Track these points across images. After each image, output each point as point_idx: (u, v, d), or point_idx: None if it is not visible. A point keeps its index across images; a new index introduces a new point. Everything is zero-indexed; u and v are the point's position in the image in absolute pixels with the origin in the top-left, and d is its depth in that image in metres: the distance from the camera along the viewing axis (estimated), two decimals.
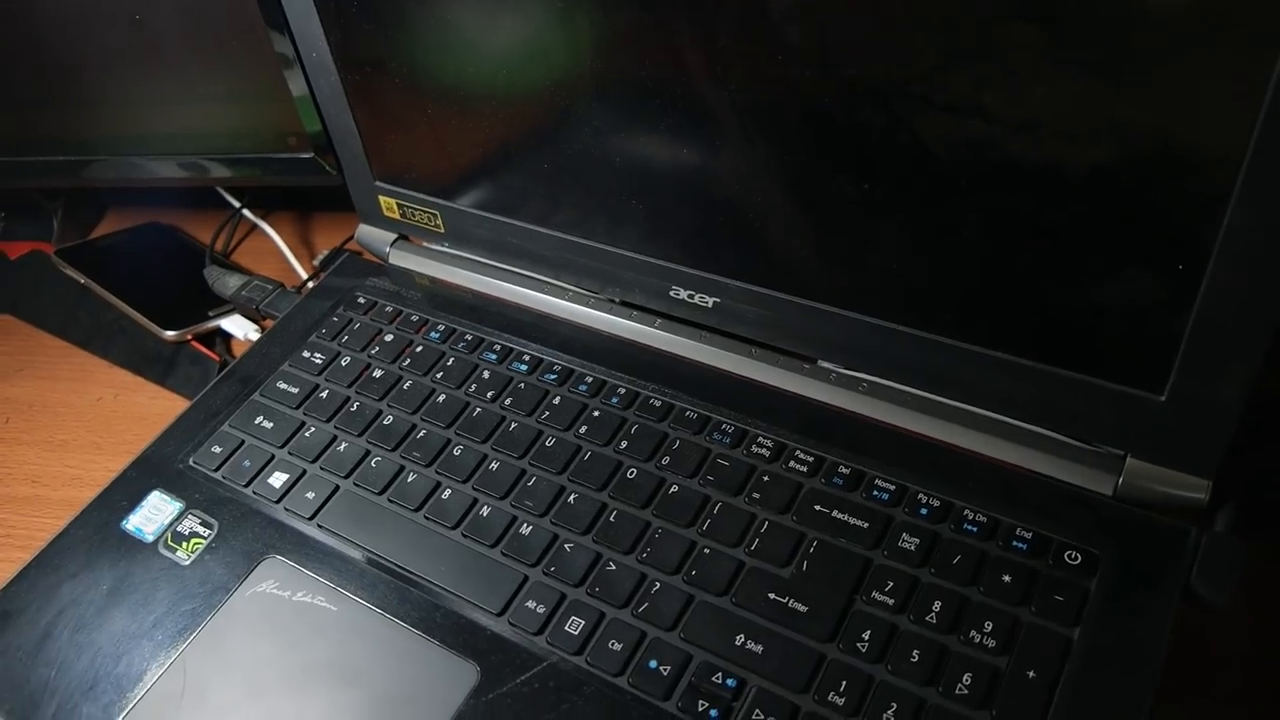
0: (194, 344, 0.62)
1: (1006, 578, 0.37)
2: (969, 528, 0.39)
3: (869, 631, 0.36)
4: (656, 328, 0.49)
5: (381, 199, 0.55)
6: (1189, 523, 0.38)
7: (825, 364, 0.46)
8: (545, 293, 0.52)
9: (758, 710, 0.35)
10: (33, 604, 0.43)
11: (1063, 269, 0.36)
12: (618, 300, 0.50)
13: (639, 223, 0.47)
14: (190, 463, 0.48)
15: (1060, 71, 0.32)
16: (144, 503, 0.46)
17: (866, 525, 0.39)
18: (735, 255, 0.45)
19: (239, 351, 0.61)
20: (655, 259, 0.47)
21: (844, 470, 0.42)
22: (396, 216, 0.55)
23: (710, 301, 0.46)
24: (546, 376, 0.48)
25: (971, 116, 0.35)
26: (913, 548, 0.38)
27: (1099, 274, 0.35)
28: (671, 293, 0.47)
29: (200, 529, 0.45)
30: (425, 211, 0.53)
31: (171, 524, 0.45)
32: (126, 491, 0.47)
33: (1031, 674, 0.34)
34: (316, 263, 0.67)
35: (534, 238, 0.50)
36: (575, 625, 0.39)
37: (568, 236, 0.49)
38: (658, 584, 0.39)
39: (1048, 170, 0.34)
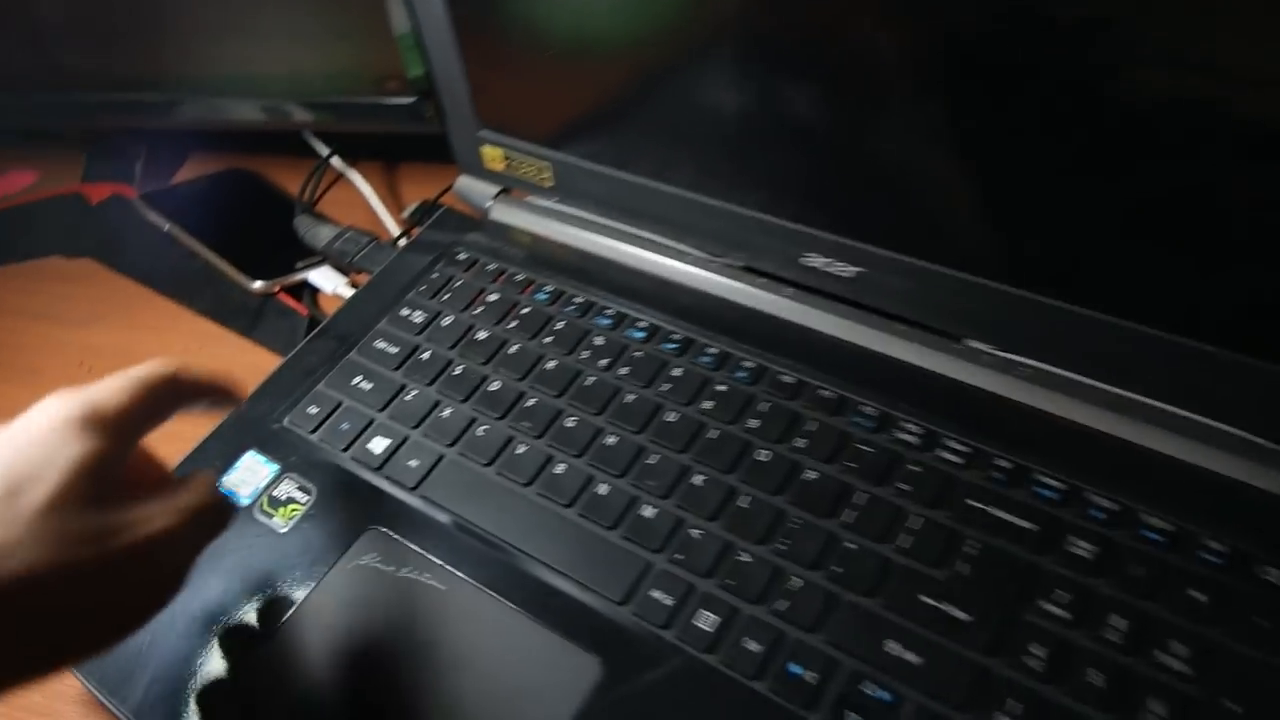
0: (281, 296, 0.59)
1: (1197, 594, 0.33)
2: (1152, 536, 0.35)
3: (1038, 646, 0.33)
4: (786, 297, 0.45)
5: (485, 149, 0.51)
6: None
7: (976, 344, 0.42)
8: (663, 255, 0.49)
9: None
10: None
11: (1251, 246, 0.32)
12: (743, 266, 0.46)
13: (772, 182, 0.43)
14: (285, 423, 0.46)
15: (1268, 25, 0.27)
16: (239, 463, 0.44)
17: (1032, 527, 0.36)
18: (882, 220, 0.41)
19: (327, 306, 0.59)
20: (788, 222, 0.43)
21: (1003, 464, 0.38)
22: (501, 168, 0.52)
23: (851, 271, 0.42)
24: (665, 345, 0.45)
25: (1189, 68, 0.30)
26: (1086, 555, 0.35)
27: None
28: (804, 260, 0.43)
29: (298, 494, 0.42)
30: (534, 163, 0.50)
31: (268, 487, 0.43)
32: (220, 450, 0.45)
33: (1238, 711, 0.30)
34: (405, 215, 0.64)
35: (653, 195, 0.47)
36: (705, 620, 0.35)
37: (691, 195, 0.45)
38: (795, 579, 0.36)
39: (1240, 134, 0.30)
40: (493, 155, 0.51)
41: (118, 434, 0.30)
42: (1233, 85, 0.30)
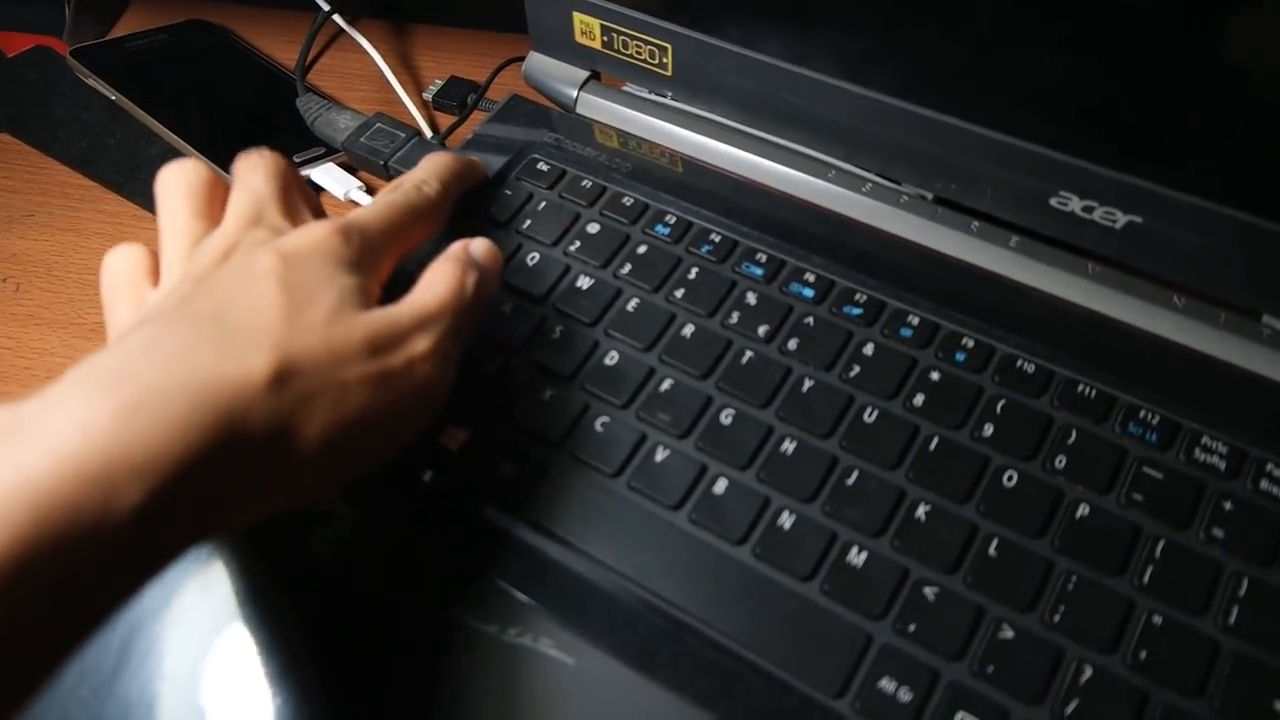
0: None
1: None
2: None
3: None
4: (1015, 249, 0.33)
5: (579, 17, 0.37)
6: None
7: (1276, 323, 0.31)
8: (830, 181, 0.36)
9: None
10: None
11: None
12: (953, 203, 0.34)
13: (1009, 85, 0.30)
14: None
15: None
16: None
17: None
18: (1177, 152, 0.29)
19: (334, 213, 0.45)
20: (1033, 144, 0.31)
21: None
22: (597, 46, 0.38)
23: (1122, 220, 0.31)
24: (846, 310, 0.33)
25: None
26: None
27: None
28: (1056, 200, 0.31)
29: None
30: (648, 42, 0.36)
31: None
32: None
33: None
34: (428, 97, 0.49)
35: (821, 93, 0.34)
36: None
37: (880, 96, 0.33)
38: (1089, 668, 0.26)
39: None
40: (587, 26, 0.37)
41: (376, 266, 0.28)
42: None
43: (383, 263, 0.29)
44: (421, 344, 0.26)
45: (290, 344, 0.24)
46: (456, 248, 0.30)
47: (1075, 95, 0.30)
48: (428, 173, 0.33)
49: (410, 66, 0.53)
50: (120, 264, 0.29)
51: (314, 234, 0.27)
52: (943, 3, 0.30)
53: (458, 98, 0.47)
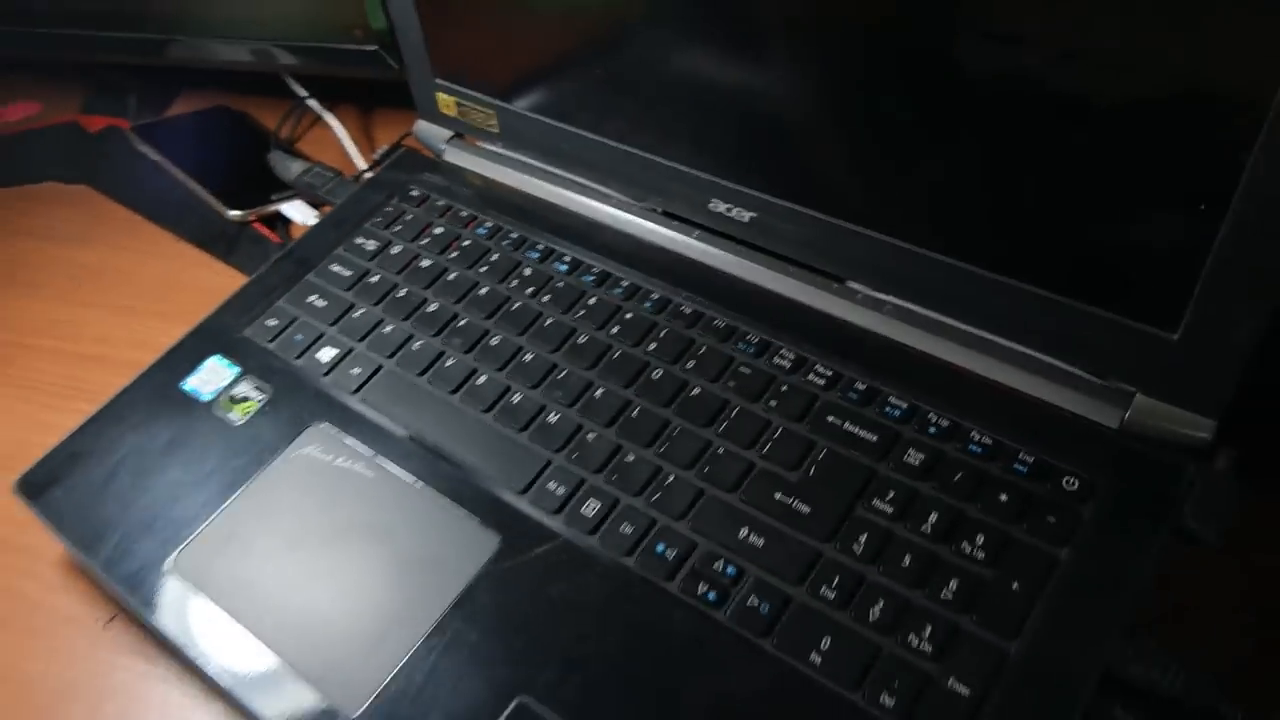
0: (256, 225, 0.65)
1: (1004, 497, 0.39)
2: (974, 448, 0.40)
3: (865, 535, 0.38)
4: (694, 239, 0.51)
5: (440, 96, 0.57)
6: (1189, 460, 0.39)
7: (854, 285, 0.47)
8: (591, 199, 0.54)
9: (753, 597, 0.37)
10: (99, 449, 0.47)
11: (1089, 203, 0.37)
12: (659, 210, 0.52)
13: (685, 135, 0.48)
14: (246, 334, 0.51)
15: (1100, 4, 0.32)
16: (202, 366, 0.50)
17: (875, 439, 0.41)
18: (774, 172, 0.46)
19: (297, 236, 0.64)
20: (698, 171, 0.48)
21: (860, 386, 0.43)
22: (454, 114, 0.57)
23: (747, 216, 0.48)
24: (584, 278, 0.50)
25: (1011, 43, 0.35)
26: (917, 463, 0.40)
27: (1124, 211, 0.36)
28: (711, 205, 0.49)
29: (253, 393, 0.48)
30: (482, 111, 0.55)
31: (227, 387, 0.49)
32: (186, 356, 0.51)
33: (1015, 586, 0.36)
34: (376, 156, 0.69)
35: (584, 144, 0.52)
36: (591, 508, 0.41)
37: (616, 144, 0.51)
38: (671, 476, 0.42)
39: (1080, 102, 0.35)
40: (446, 102, 0.56)
41: None
42: (1041, 57, 0.35)
43: None
44: None
45: None
46: None
47: (715, 142, 0.47)
48: None
49: (369, 136, 0.73)
50: None
51: None
52: (639, 94, 0.48)
53: (390, 155, 0.67)
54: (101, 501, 0.45)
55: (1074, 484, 0.39)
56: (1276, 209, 0.32)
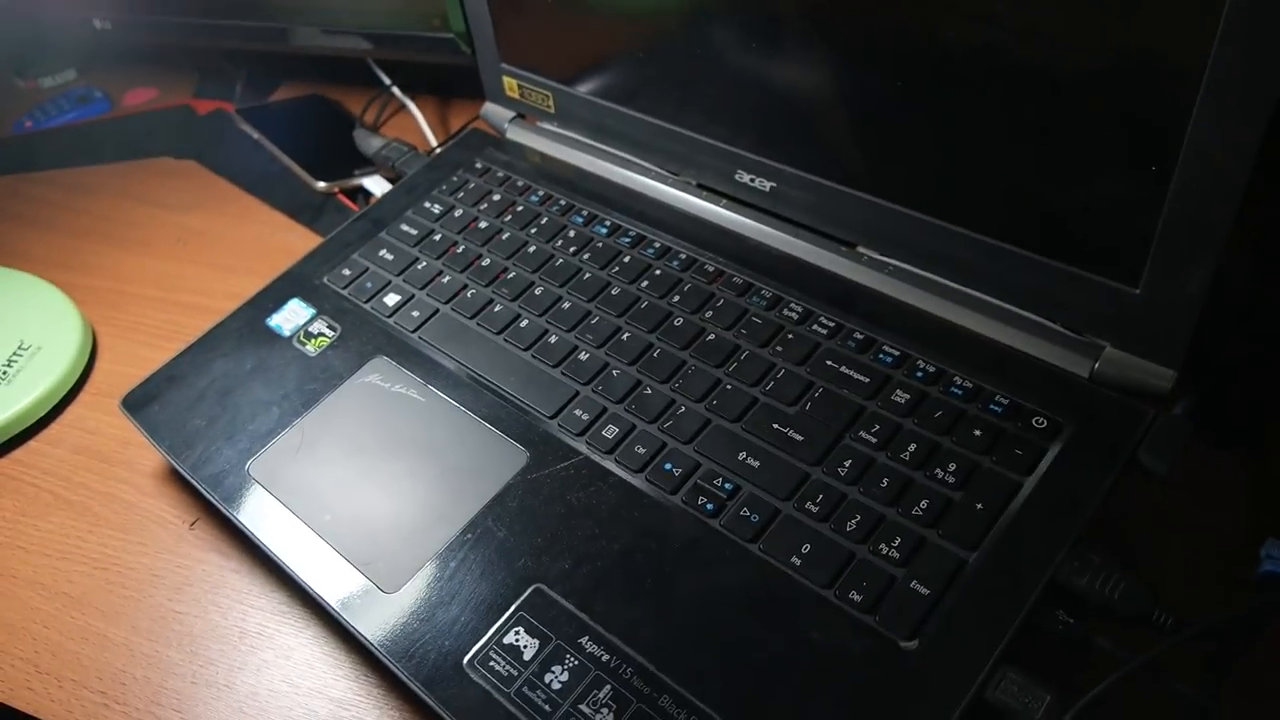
0: (339, 196, 0.72)
1: (977, 432, 0.43)
2: (955, 390, 0.45)
3: (850, 461, 0.43)
4: (722, 207, 0.56)
5: (505, 79, 0.63)
6: (1149, 407, 0.42)
7: (863, 249, 0.52)
8: (632, 171, 0.60)
9: (745, 508, 0.42)
10: (192, 373, 0.54)
11: (1058, 169, 0.41)
12: (694, 182, 0.57)
13: (715, 113, 0.53)
14: (324, 281, 0.58)
15: None
16: (285, 307, 0.57)
17: (867, 380, 0.46)
18: (790, 145, 0.51)
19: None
20: (725, 144, 0.54)
21: (858, 336, 0.48)
22: (516, 96, 0.63)
23: (768, 185, 0.53)
24: (622, 239, 0.56)
25: (985, 23, 0.40)
26: (902, 401, 0.45)
27: (1089, 175, 0.40)
28: (737, 176, 0.54)
29: (326, 330, 0.55)
30: (540, 92, 0.61)
31: (305, 324, 0.56)
32: (272, 298, 0.58)
33: (979, 506, 0.40)
34: (448, 135, 0.76)
35: (629, 122, 0.58)
36: (610, 431, 0.47)
37: (658, 122, 0.56)
38: (684, 408, 0.47)
39: (1043, 74, 0.39)
40: (510, 85, 0.63)
41: None
42: (1010, 35, 0.39)
43: None
44: None
45: None
46: None
47: (741, 118, 0.52)
48: None
49: (445, 121, 0.80)
50: None
51: None
52: (677, 75, 0.54)
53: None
54: (192, 416, 0.52)
55: (1042, 423, 0.43)
56: (1216, 169, 0.36)
